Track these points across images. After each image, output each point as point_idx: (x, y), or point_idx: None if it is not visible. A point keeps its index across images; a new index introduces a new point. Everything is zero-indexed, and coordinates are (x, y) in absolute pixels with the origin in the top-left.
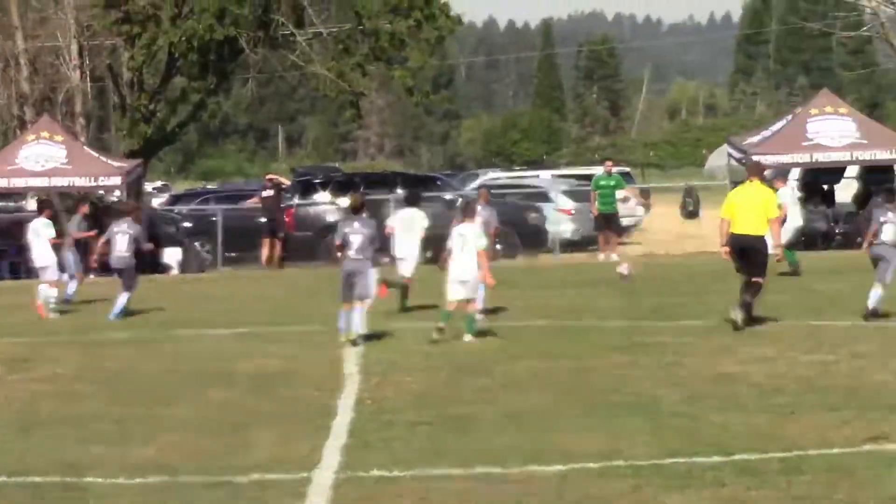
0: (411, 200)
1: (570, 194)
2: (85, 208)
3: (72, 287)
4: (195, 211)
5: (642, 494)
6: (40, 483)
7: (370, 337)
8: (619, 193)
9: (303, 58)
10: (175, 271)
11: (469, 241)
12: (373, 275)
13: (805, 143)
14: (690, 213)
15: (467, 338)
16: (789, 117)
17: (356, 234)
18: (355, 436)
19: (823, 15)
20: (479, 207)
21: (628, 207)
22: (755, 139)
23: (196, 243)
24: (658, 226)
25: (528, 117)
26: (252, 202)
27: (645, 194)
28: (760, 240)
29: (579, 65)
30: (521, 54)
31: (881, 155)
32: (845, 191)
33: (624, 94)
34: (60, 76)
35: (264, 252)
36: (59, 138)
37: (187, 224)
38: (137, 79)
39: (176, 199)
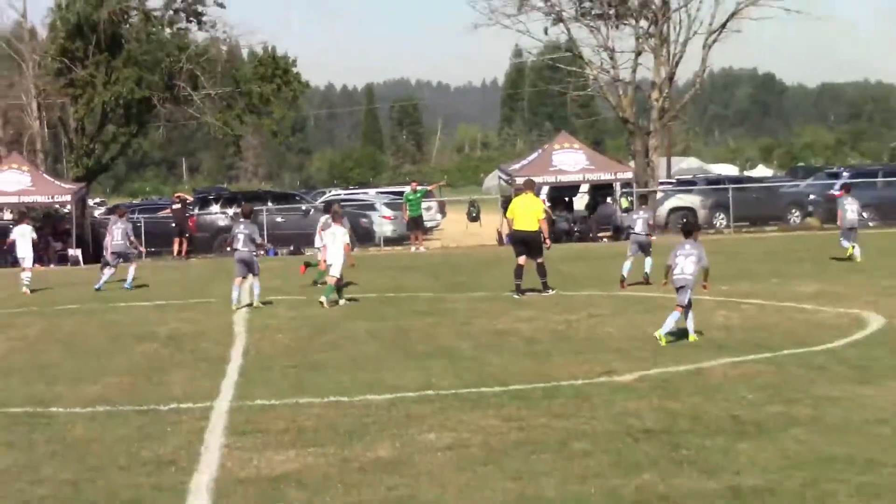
0: (335, 217)
1: (389, 205)
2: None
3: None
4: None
5: (446, 414)
6: (18, 412)
7: (252, 305)
8: (424, 203)
9: (198, 111)
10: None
11: (338, 237)
12: (256, 261)
13: (551, 168)
14: (473, 219)
15: (322, 299)
16: (539, 151)
17: (242, 233)
18: (243, 376)
19: (561, 80)
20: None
21: (430, 214)
22: (517, 166)
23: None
24: (451, 227)
25: (358, 152)
26: (165, 213)
27: (441, 205)
28: (534, 233)
29: (392, 115)
30: (353, 108)
31: (604, 176)
32: (580, 201)
33: (425, 136)
34: (24, 125)
35: (175, 248)
36: (25, 168)
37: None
38: (80, 126)
39: (110, 211)
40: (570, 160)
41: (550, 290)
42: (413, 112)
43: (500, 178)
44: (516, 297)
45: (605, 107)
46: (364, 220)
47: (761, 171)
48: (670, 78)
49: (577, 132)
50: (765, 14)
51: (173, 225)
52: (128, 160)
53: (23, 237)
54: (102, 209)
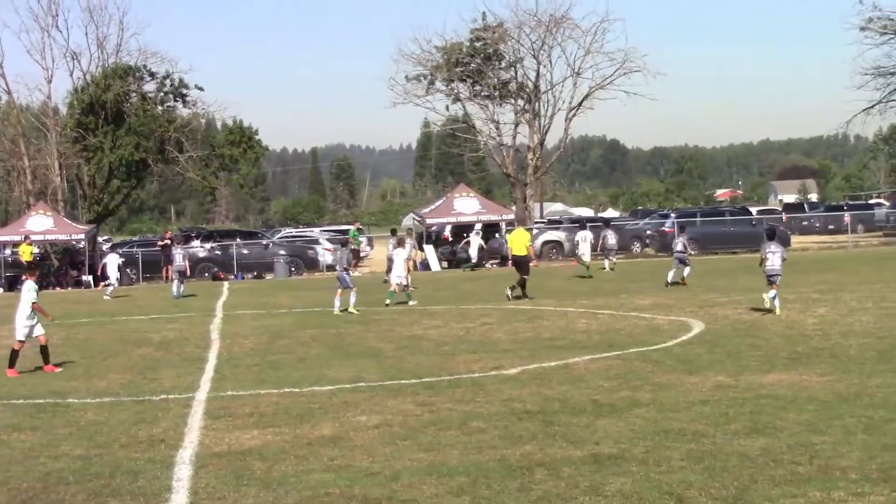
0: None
1: (330, 240)
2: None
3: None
4: (125, 252)
5: (375, 400)
6: (42, 402)
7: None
8: (363, 238)
9: (183, 169)
10: (114, 285)
11: (400, 256)
12: (347, 277)
13: (452, 212)
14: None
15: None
16: (444, 198)
17: (338, 258)
18: (218, 372)
19: (460, 144)
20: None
21: (363, 247)
22: (427, 210)
23: (127, 269)
24: (378, 256)
25: (305, 199)
26: (161, 242)
27: (370, 240)
28: (525, 257)
29: (332, 171)
30: (301, 166)
31: (493, 217)
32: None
33: (356, 187)
34: (49, 180)
35: (164, 274)
36: (48, 213)
37: (122, 259)
38: (92, 181)
39: (114, 246)
40: (468, 205)
41: (529, 297)
42: (347, 168)
43: (414, 219)
44: (511, 296)
45: (493, 164)
46: (311, 251)
47: (611, 212)
48: (541, 143)
49: (472, 184)
50: (611, 95)
51: (163, 256)
52: (129, 206)
53: (111, 262)
54: (109, 244)
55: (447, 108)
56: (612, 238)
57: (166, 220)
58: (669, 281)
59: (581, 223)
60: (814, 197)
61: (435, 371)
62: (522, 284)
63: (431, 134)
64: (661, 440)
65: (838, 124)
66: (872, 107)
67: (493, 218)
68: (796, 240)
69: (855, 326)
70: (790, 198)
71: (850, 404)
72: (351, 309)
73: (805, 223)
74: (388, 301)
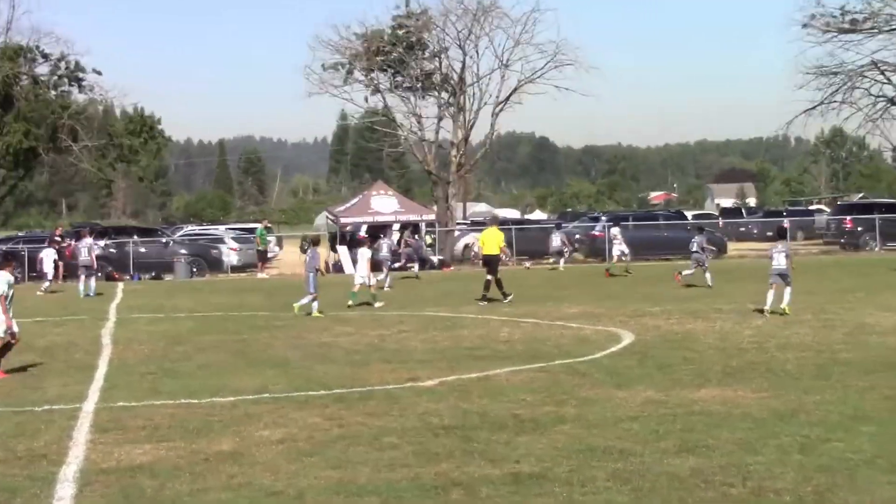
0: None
1: (236, 239)
2: None
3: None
4: (11, 248)
5: (279, 413)
6: None
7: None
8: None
9: (77, 159)
10: (50, 281)
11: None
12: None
13: (369, 211)
14: (305, 250)
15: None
16: (360, 196)
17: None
18: (108, 381)
19: (378, 139)
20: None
21: (270, 248)
22: (341, 208)
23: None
24: (287, 257)
25: (211, 195)
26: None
27: (279, 239)
28: (496, 256)
29: (240, 165)
30: (207, 158)
31: (413, 217)
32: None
33: (266, 182)
34: None
35: (56, 273)
36: None
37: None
38: None
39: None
40: (385, 204)
41: (509, 297)
42: (257, 162)
43: (327, 217)
44: (481, 303)
45: (414, 161)
46: (215, 250)
47: (538, 214)
48: (466, 139)
49: (391, 181)
50: (540, 90)
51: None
52: (15, 199)
53: (47, 258)
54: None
55: (366, 99)
56: (556, 240)
57: (56, 214)
58: (683, 281)
59: (558, 224)
60: (752, 201)
61: (346, 382)
62: (499, 284)
63: (348, 127)
64: (586, 459)
65: (779, 125)
66: (814, 108)
67: (413, 218)
68: (733, 246)
69: (792, 339)
70: (728, 202)
71: (786, 422)
72: (315, 313)
73: (742, 229)
74: (350, 302)
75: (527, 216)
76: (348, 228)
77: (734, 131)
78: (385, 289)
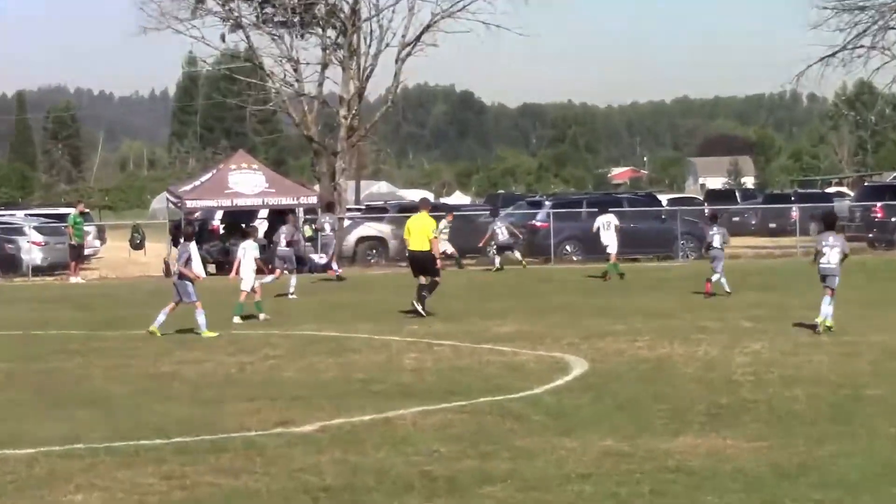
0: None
1: (40, 229)
2: None
3: None
4: None
5: (97, 471)
6: None
7: None
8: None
9: None
10: None
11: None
12: None
13: (227, 191)
14: (137, 246)
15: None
16: (214, 171)
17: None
18: None
19: (238, 93)
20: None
21: (88, 240)
22: (188, 188)
23: None
24: (112, 255)
25: (5, 168)
26: None
27: (100, 230)
28: (427, 253)
29: (47, 127)
30: (1, 117)
31: (285, 201)
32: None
33: (84, 151)
34: None
35: None
36: None
37: None
38: None
39: None
40: (249, 182)
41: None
42: (71, 123)
43: (169, 200)
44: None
45: (288, 123)
46: (10, 245)
47: (458, 198)
48: (360, 93)
49: (257, 150)
50: (462, 27)
51: None
52: None
53: None
54: None
55: (222, 38)
56: (501, 232)
57: None
58: (715, 291)
59: (493, 211)
60: (749, 182)
61: (191, 427)
62: (431, 288)
63: (198, 77)
64: None
65: (786, 79)
66: (833, 55)
67: (287, 202)
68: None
69: (803, 370)
70: (716, 182)
71: (792, 482)
72: (206, 333)
73: (736, 219)
74: (235, 318)
75: (443, 200)
76: (197, 215)
77: (725, 86)
78: (290, 296)
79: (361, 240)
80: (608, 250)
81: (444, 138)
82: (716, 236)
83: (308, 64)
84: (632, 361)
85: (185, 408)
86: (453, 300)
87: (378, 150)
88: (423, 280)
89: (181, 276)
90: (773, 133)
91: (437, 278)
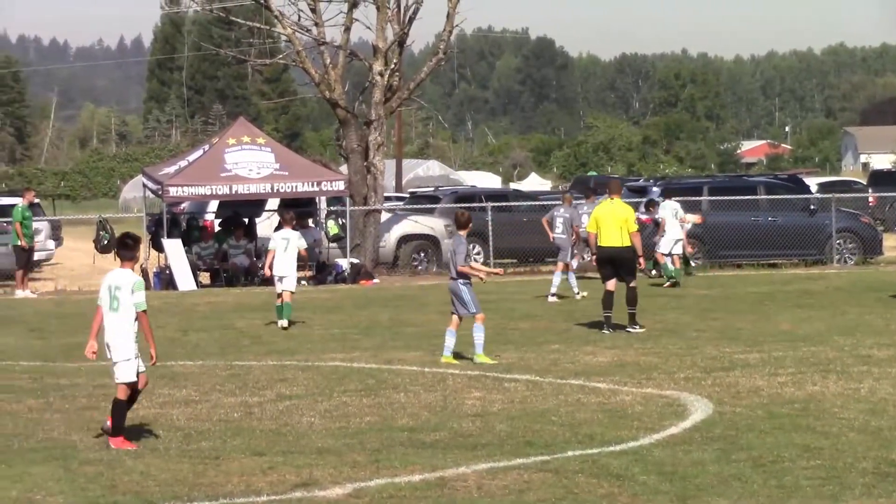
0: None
1: None
2: None
3: None
4: None
5: None
6: None
7: None
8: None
9: None
10: None
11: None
12: None
13: (223, 175)
14: (104, 248)
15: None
16: (206, 147)
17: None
18: None
19: (237, 42)
20: None
21: (39, 241)
22: (171, 170)
23: None
24: (71, 260)
25: None
26: None
27: (55, 227)
28: (626, 249)
29: None
30: None
31: (302, 187)
32: (268, 225)
33: (30, 121)
34: None
35: None
36: None
37: None
38: None
39: None
40: (252, 162)
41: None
42: (14, 84)
43: (145, 187)
44: (606, 331)
45: (305, 82)
46: None
47: (534, 182)
48: (401, 42)
49: (263, 119)
50: None
51: None
52: None
53: None
54: None
55: None
56: (561, 225)
57: None
58: None
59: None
60: None
61: (182, 489)
62: (634, 299)
63: (182, 20)
64: None
65: None
66: None
67: (304, 189)
68: (894, 243)
69: None
70: (884, 160)
71: None
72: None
73: None
74: (282, 322)
75: (515, 186)
76: (184, 208)
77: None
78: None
79: (405, 239)
80: (670, 250)
81: (515, 103)
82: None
83: (331, 2)
84: (771, 403)
85: (172, 464)
86: (525, 321)
87: (427, 119)
88: (609, 286)
89: None
90: None
91: (634, 283)
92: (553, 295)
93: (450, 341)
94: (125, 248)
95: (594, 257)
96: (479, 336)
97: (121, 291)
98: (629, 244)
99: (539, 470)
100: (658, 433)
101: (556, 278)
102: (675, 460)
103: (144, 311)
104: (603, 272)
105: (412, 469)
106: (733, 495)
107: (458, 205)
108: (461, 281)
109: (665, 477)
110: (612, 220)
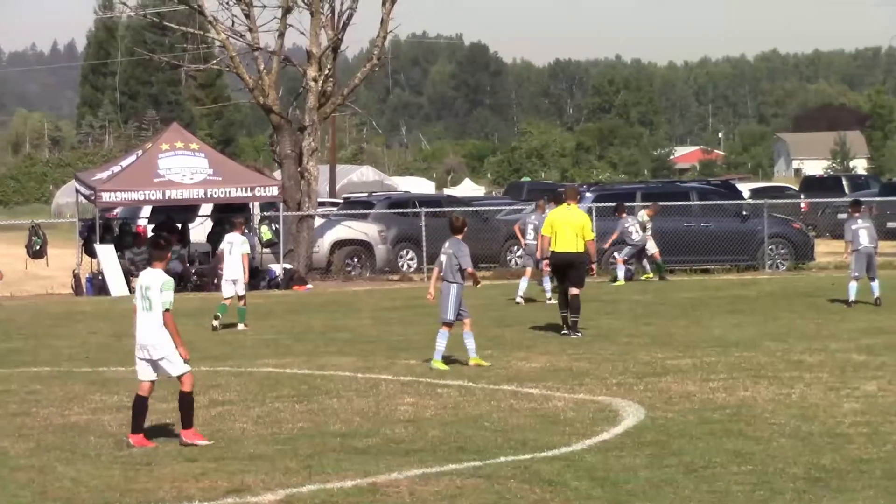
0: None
1: None
2: None
3: None
4: None
5: None
6: None
7: None
8: None
9: None
10: None
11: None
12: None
13: (157, 180)
14: (36, 253)
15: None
16: (139, 152)
17: None
18: None
19: (171, 47)
20: None
21: None
22: (104, 175)
23: None
24: (3, 266)
25: None
26: None
27: None
28: (579, 256)
29: None
30: None
31: (235, 192)
32: (200, 231)
33: None
34: None
35: None
36: None
37: None
38: None
39: None
40: (186, 168)
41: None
42: None
43: (78, 192)
44: (565, 332)
45: (238, 87)
46: None
47: (468, 188)
48: (335, 47)
49: (196, 125)
50: None
51: None
52: None
53: None
54: None
55: None
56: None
57: None
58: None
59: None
60: (860, 167)
61: (112, 495)
62: (577, 306)
63: (116, 25)
64: None
65: None
66: None
67: (237, 194)
68: (825, 247)
69: None
70: (816, 166)
71: None
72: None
73: (842, 216)
74: (214, 321)
75: (448, 191)
76: (117, 213)
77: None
78: (239, 326)
79: (339, 244)
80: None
81: (449, 108)
82: (860, 231)
83: (265, 7)
84: (703, 408)
85: (103, 470)
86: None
87: (361, 125)
88: (574, 291)
89: None
90: (893, 99)
91: (579, 290)
92: (521, 297)
93: (441, 345)
94: (157, 248)
95: (545, 262)
96: (469, 342)
97: (150, 291)
98: (583, 250)
99: (471, 476)
100: (590, 439)
101: (524, 283)
102: (606, 466)
103: (169, 311)
104: (556, 276)
105: (344, 475)
106: (665, 501)
107: (391, 210)
108: (457, 284)
109: (597, 482)
110: (568, 226)
